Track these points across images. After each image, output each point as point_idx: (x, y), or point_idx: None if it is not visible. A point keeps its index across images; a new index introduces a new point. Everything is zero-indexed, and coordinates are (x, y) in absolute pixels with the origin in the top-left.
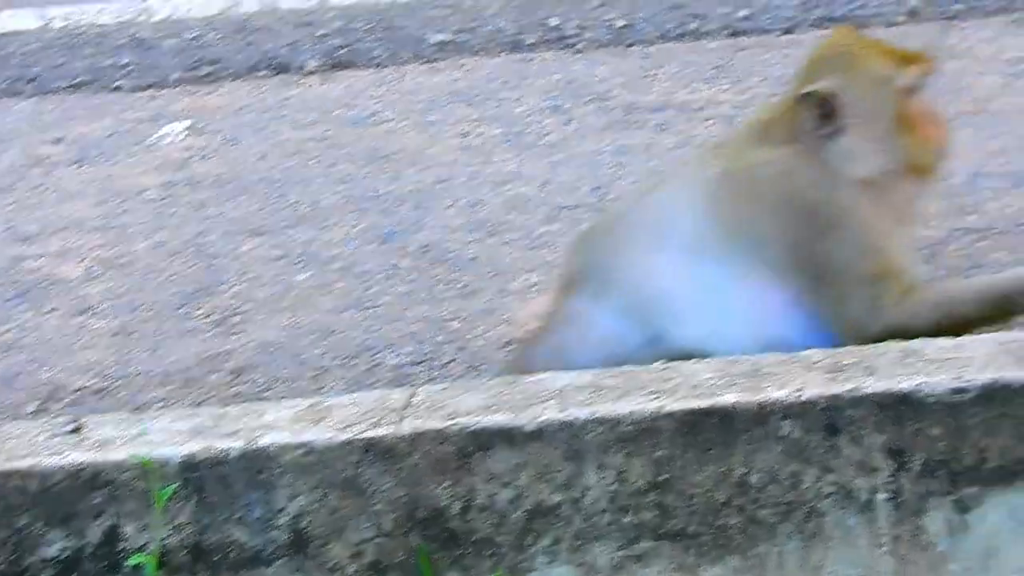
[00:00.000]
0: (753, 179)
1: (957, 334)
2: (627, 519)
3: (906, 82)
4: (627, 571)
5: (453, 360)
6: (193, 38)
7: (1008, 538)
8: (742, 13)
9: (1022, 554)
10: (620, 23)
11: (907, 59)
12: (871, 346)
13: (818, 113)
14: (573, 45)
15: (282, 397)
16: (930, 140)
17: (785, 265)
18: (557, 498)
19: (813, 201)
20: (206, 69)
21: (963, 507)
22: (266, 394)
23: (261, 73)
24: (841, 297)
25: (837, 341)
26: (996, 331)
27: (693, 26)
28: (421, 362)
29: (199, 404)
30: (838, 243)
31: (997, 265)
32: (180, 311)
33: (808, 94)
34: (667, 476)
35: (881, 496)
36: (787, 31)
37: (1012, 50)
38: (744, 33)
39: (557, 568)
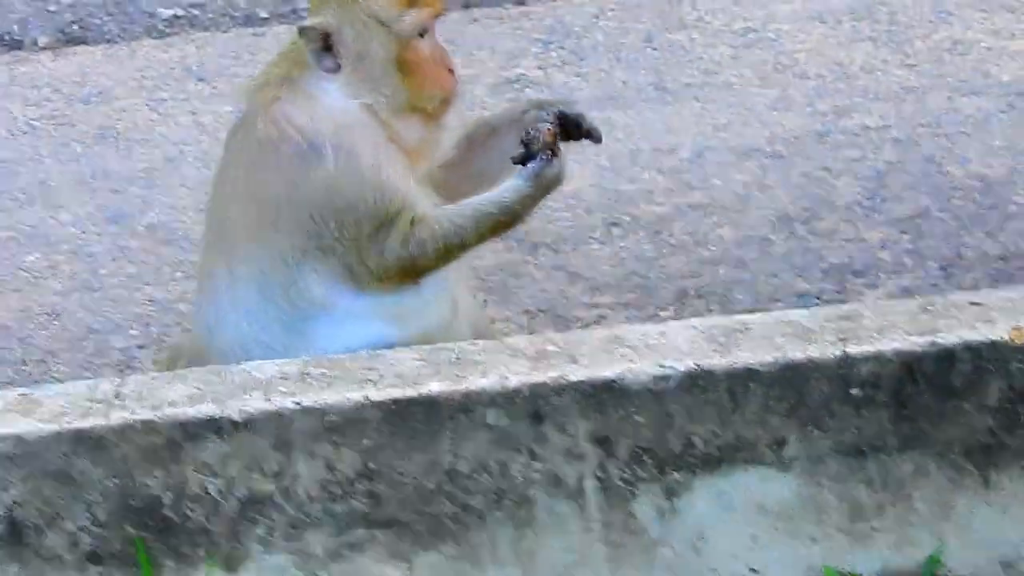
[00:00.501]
0: (248, 126)
1: (466, 251)
2: (339, 508)
3: (408, 24)
4: (343, 559)
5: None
6: None
7: (717, 522)
8: None
9: (731, 538)
10: None
11: (415, 1)
12: (574, 332)
13: (316, 48)
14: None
15: (8, 382)
16: (432, 83)
17: (291, 223)
18: (268, 487)
19: (303, 140)
20: None
21: (671, 492)
22: None
23: None
24: (351, 246)
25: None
26: (697, 317)
27: None
28: (148, 345)
29: None
30: (337, 182)
31: (720, 242)
32: None
33: (304, 28)
34: (376, 465)
35: (589, 483)
36: (519, 2)
37: (741, 20)
38: (476, 5)
39: (273, 556)
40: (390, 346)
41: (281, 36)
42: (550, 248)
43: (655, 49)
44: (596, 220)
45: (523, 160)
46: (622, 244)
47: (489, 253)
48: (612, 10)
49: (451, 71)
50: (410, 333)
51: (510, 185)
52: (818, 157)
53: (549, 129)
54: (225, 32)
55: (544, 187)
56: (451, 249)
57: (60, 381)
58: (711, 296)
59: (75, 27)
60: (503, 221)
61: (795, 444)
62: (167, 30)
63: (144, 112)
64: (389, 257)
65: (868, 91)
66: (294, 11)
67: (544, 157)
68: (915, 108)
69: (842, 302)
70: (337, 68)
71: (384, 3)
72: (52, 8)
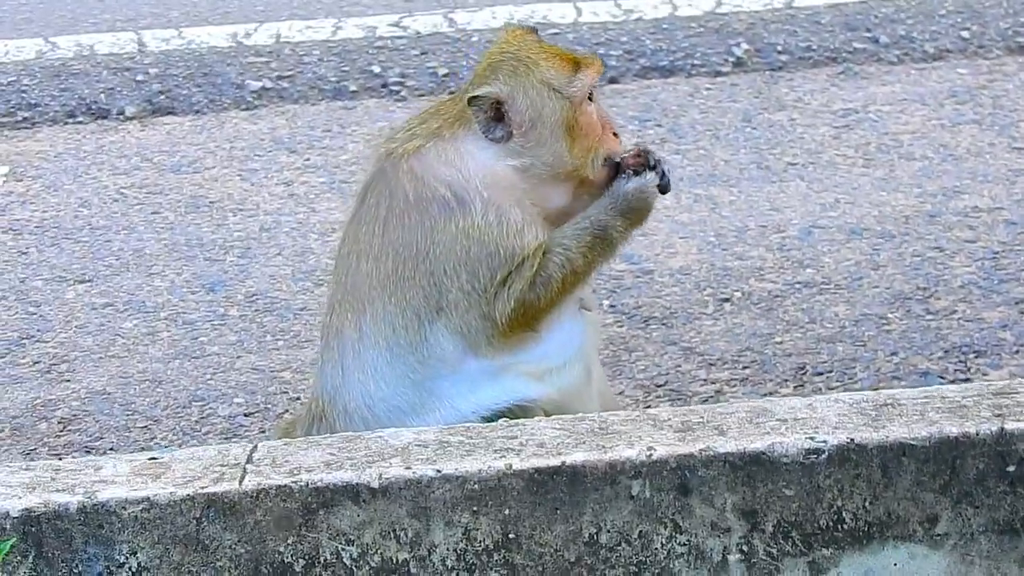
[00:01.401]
0: (387, 180)
1: (578, 285)
2: None
3: (579, 87)
4: None
5: (286, 411)
6: (9, 83)
7: None
8: None
9: None
10: (443, 71)
11: (577, 63)
12: (719, 404)
13: (487, 116)
14: (396, 93)
15: (111, 448)
16: (600, 145)
17: (427, 277)
18: (403, 556)
19: (450, 193)
20: (23, 114)
21: (818, 568)
22: (97, 444)
23: (79, 119)
24: (480, 299)
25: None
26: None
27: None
28: (254, 413)
29: (29, 454)
30: (481, 232)
31: (836, 320)
32: (5, 359)
33: (477, 97)
34: (515, 535)
35: (733, 557)
36: (611, 81)
37: (840, 101)
38: None
39: None
40: (523, 406)
41: (371, 110)
42: (661, 323)
43: (754, 128)
44: (706, 295)
45: (609, 181)
46: (735, 320)
47: (601, 327)
48: (707, 89)
49: (616, 135)
50: (545, 393)
51: (598, 203)
52: (930, 237)
53: (632, 152)
54: (314, 105)
55: (629, 202)
56: (566, 279)
57: (166, 448)
58: (830, 374)
59: (162, 97)
60: (600, 239)
61: (947, 521)
62: (255, 102)
63: (236, 182)
64: (516, 304)
65: (976, 173)
66: (384, 85)
67: (627, 175)
68: None
69: (966, 382)
70: (507, 137)
71: (554, 69)
72: (140, 78)
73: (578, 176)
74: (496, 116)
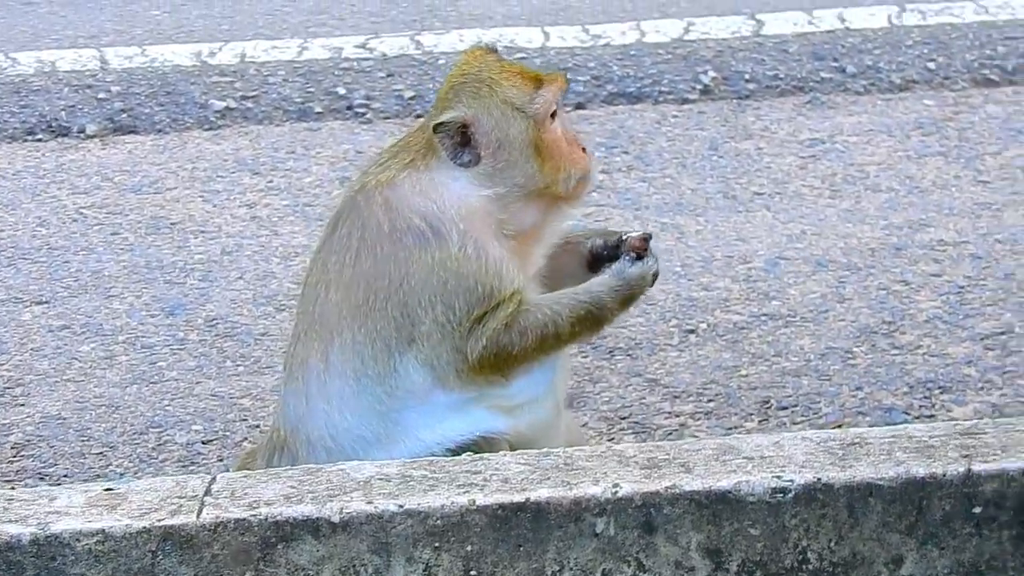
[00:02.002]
0: (360, 211)
1: (560, 347)
2: None
3: (542, 104)
4: None
5: (246, 439)
6: None
7: None
8: None
9: None
10: (409, 94)
11: (539, 80)
12: (686, 441)
13: (454, 141)
14: (361, 115)
15: (66, 475)
16: (569, 162)
17: (399, 308)
18: None
19: (426, 225)
20: None
21: None
22: (51, 470)
23: (39, 136)
24: (453, 331)
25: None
26: (812, 429)
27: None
28: (212, 440)
29: None
30: (458, 264)
31: (801, 353)
32: None
33: (443, 123)
34: (477, 572)
35: None
36: (578, 106)
37: (807, 131)
38: None
39: None
40: (489, 439)
41: (336, 132)
42: (626, 353)
43: (721, 157)
44: (671, 326)
45: (610, 260)
46: (700, 352)
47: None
48: (674, 116)
49: (584, 149)
50: (513, 427)
51: (600, 280)
52: (896, 270)
53: (638, 235)
54: (278, 126)
55: (630, 284)
56: (546, 339)
57: (121, 475)
58: (795, 408)
59: (124, 116)
60: (593, 316)
61: (912, 562)
62: (219, 122)
63: (198, 203)
64: (488, 343)
65: (942, 206)
66: (350, 107)
67: (630, 256)
68: (991, 224)
69: (931, 418)
70: (475, 161)
71: (516, 89)
72: (101, 96)
73: (551, 194)
74: (463, 141)
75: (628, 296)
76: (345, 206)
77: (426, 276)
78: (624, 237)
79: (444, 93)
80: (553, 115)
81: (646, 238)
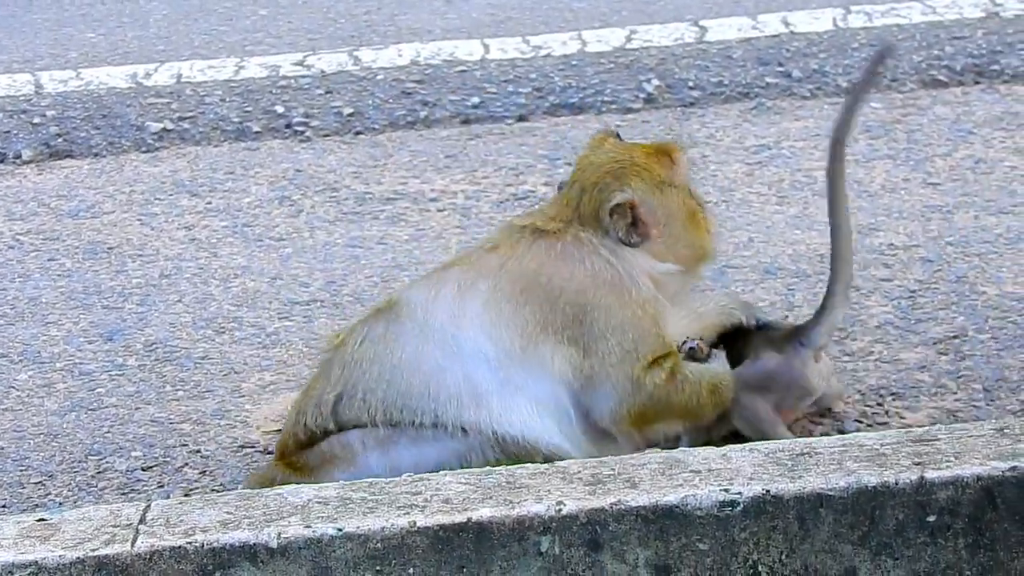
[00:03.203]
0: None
1: (694, 417)
2: None
3: (681, 175)
4: None
5: (186, 464)
6: None
7: None
8: (473, 100)
9: None
10: (348, 110)
11: (668, 152)
12: (631, 456)
13: (626, 222)
14: (300, 133)
15: (3, 505)
16: (709, 227)
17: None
18: None
19: (615, 270)
20: None
21: None
22: None
23: None
24: (634, 355)
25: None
26: (760, 440)
27: (424, 114)
28: (152, 467)
29: None
30: (638, 309)
31: None
32: None
33: (618, 206)
34: None
35: None
36: (520, 118)
37: (753, 137)
38: (476, 121)
39: None
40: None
41: (275, 151)
42: None
43: None
44: None
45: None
46: None
47: None
48: (618, 126)
49: (708, 210)
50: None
51: (716, 364)
52: None
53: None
54: (217, 146)
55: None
56: (691, 400)
57: (60, 504)
58: None
59: (60, 140)
60: (720, 393)
61: (866, 573)
62: (156, 144)
63: (136, 227)
64: (660, 385)
65: (892, 210)
66: (288, 125)
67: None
68: (942, 227)
69: (883, 425)
70: (643, 240)
71: (659, 164)
72: (36, 121)
73: (707, 260)
74: (632, 221)
75: (734, 385)
76: (502, 236)
77: (619, 304)
78: (692, 345)
79: (592, 170)
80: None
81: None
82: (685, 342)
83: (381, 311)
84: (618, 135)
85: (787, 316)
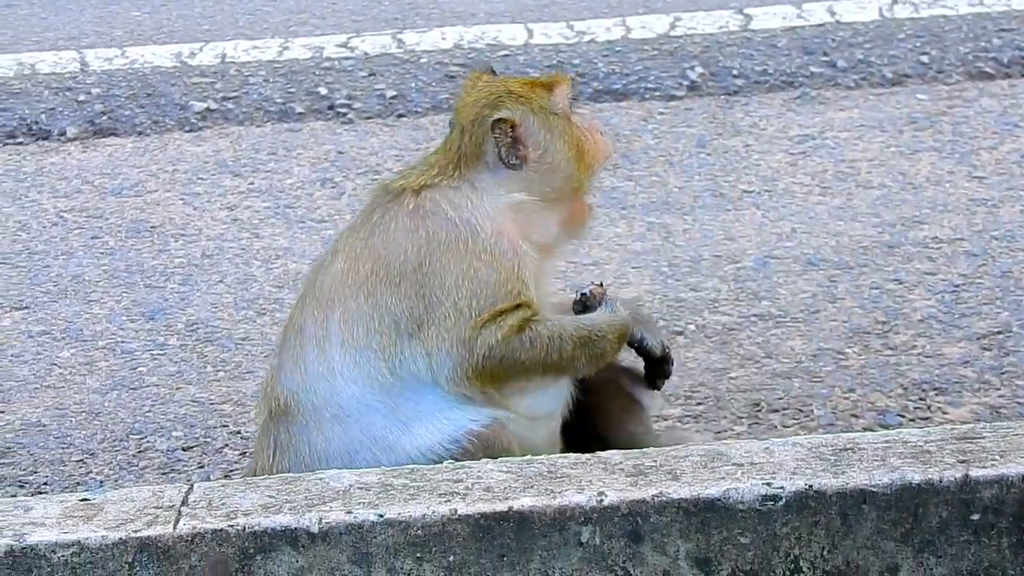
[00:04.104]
0: (393, 204)
1: (560, 371)
2: None
3: (561, 102)
4: None
5: (226, 445)
6: None
7: None
8: None
9: None
10: (391, 93)
11: (548, 84)
12: (673, 448)
13: (507, 141)
14: (343, 115)
15: (45, 482)
16: (598, 152)
17: (415, 288)
18: None
19: (458, 217)
20: None
21: None
22: (31, 477)
23: (19, 139)
24: (467, 324)
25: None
26: (802, 429)
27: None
28: (193, 447)
29: None
30: (485, 260)
31: (792, 355)
32: None
33: (499, 120)
34: None
35: None
36: None
37: (796, 127)
38: None
39: None
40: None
41: (317, 132)
42: None
43: (709, 154)
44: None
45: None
46: (688, 354)
47: None
48: (661, 114)
49: (601, 133)
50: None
51: (595, 312)
52: (889, 269)
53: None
54: (259, 127)
55: (624, 320)
56: (550, 355)
57: (101, 483)
58: (786, 411)
59: (104, 118)
60: (593, 342)
61: (908, 571)
62: (199, 123)
63: (178, 206)
64: (498, 343)
65: (936, 202)
66: (331, 107)
67: (611, 301)
68: (987, 221)
69: (926, 420)
70: (523, 163)
71: (537, 94)
72: (82, 98)
73: (579, 194)
74: (511, 141)
75: (622, 333)
76: (368, 204)
77: (455, 261)
78: (585, 291)
79: (469, 109)
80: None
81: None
82: (580, 290)
83: (275, 414)
84: (492, 71)
85: (826, 309)
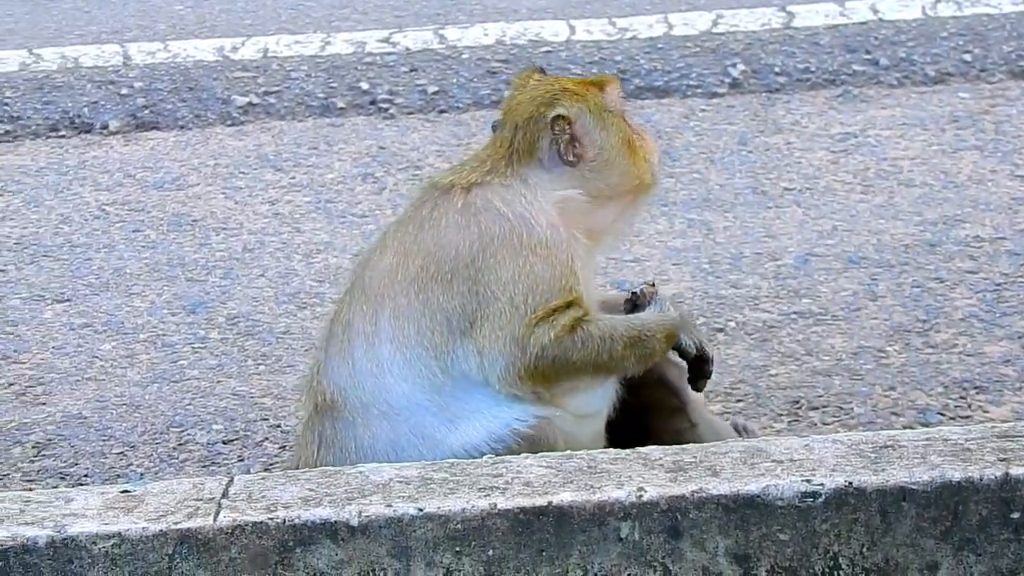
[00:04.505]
0: (444, 199)
1: (610, 371)
2: None
3: (615, 101)
4: None
5: (266, 439)
6: None
7: None
8: None
9: None
10: (432, 89)
11: (599, 84)
12: (712, 444)
13: (566, 139)
14: (384, 110)
15: (86, 474)
16: (650, 153)
17: (467, 286)
18: None
19: (511, 212)
20: (4, 128)
21: None
22: (72, 470)
23: (62, 133)
24: (520, 322)
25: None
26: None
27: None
28: (233, 440)
29: (1, 479)
30: (538, 256)
31: (833, 352)
32: None
33: (558, 117)
34: None
35: None
36: None
37: (838, 125)
38: None
39: None
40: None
41: (359, 127)
42: None
43: (750, 152)
44: (699, 325)
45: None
46: (728, 351)
47: None
48: (703, 111)
49: (651, 139)
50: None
51: (644, 312)
52: (930, 267)
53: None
54: (301, 121)
55: (673, 321)
56: (601, 355)
57: (141, 475)
58: (826, 408)
59: (147, 112)
60: (643, 342)
61: (948, 569)
62: (241, 117)
63: (220, 200)
64: (552, 342)
65: (978, 201)
66: (373, 102)
67: (661, 301)
68: None
69: (966, 419)
70: (579, 160)
71: (586, 91)
72: (124, 92)
73: (641, 188)
74: (568, 139)
75: (671, 333)
76: (416, 200)
77: (510, 256)
78: (636, 290)
79: (524, 107)
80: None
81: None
82: (631, 290)
83: (321, 409)
84: (542, 70)
85: (867, 307)
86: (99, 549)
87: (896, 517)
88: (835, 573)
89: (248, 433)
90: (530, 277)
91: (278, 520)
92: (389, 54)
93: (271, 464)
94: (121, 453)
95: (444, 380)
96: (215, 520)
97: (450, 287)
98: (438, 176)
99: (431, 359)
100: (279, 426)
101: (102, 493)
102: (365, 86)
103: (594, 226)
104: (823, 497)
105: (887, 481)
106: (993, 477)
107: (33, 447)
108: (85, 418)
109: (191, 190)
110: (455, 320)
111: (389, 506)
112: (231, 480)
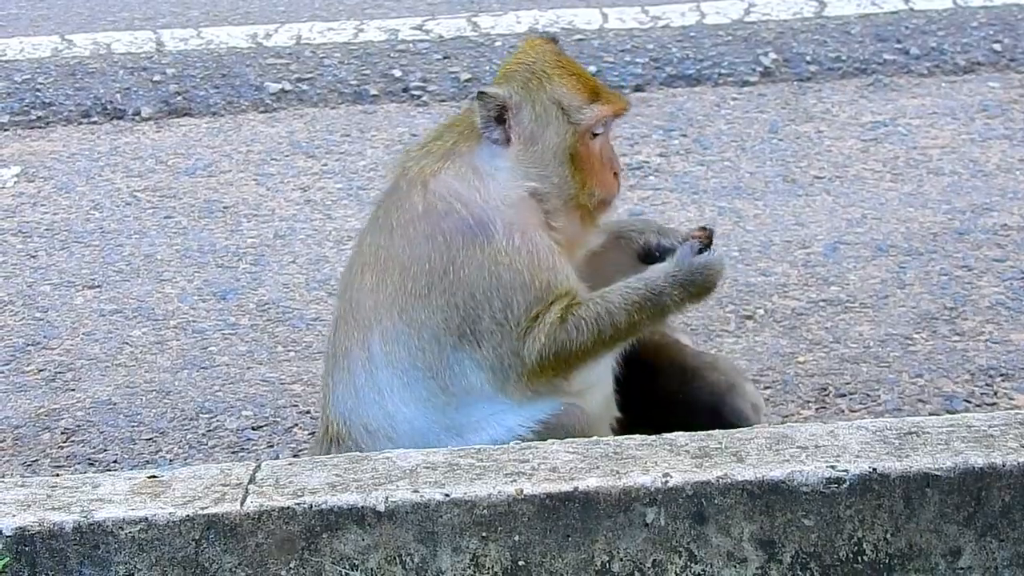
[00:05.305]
0: (403, 197)
1: (622, 340)
2: None
3: (589, 117)
4: None
5: (296, 425)
6: (23, 81)
7: None
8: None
9: None
10: (465, 76)
11: (597, 94)
12: (738, 430)
13: (490, 116)
14: (417, 97)
15: (115, 461)
16: (596, 182)
17: (446, 299)
18: None
19: (470, 216)
20: (37, 113)
21: None
22: (101, 456)
23: (94, 119)
24: (510, 331)
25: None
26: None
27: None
28: (263, 426)
29: (31, 465)
30: (505, 261)
31: (860, 340)
32: (9, 366)
33: (484, 92)
34: (525, 562)
35: None
36: (637, 88)
37: (868, 114)
38: None
39: None
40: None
41: (391, 114)
42: None
43: (781, 140)
44: (728, 312)
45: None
46: (757, 338)
47: None
48: (734, 99)
49: (616, 174)
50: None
51: (655, 267)
52: (958, 255)
53: (698, 228)
54: (333, 108)
55: (692, 274)
56: (603, 331)
57: (170, 461)
58: (853, 395)
59: (179, 98)
60: (651, 303)
61: (971, 554)
62: (274, 104)
63: (251, 187)
64: (547, 341)
65: (1007, 190)
66: (405, 89)
67: (691, 244)
68: None
69: (992, 406)
70: (505, 143)
71: (569, 92)
72: (157, 78)
73: (576, 204)
74: (498, 119)
75: (689, 283)
76: (388, 191)
77: (476, 270)
78: (668, 242)
79: (499, 78)
80: (598, 133)
81: (707, 230)
82: (685, 239)
83: (330, 437)
84: (556, 42)
85: (895, 294)
86: (126, 534)
87: (920, 503)
88: (859, 558)
89: (278, 419)
90: (500, 291)
91: (305, 505)
92: (422, 41)
93: (300, 450)
94: (150, 439)
95: (447, 399)
96: (242, 505)
97: (429, 302)
98: (407, 160)
99: (429, 379)
100: (308, 412)
101: (129, 479)
102: (398, 73)
103: (559, 233)
104: (847, 483)
105: (911, 467)
106: (1016, 463)
107: (62, 433)
108: (115, 404)
109: (223, 176)
110: (442, 336)
111: (416, 492)
112: (258, 466)
